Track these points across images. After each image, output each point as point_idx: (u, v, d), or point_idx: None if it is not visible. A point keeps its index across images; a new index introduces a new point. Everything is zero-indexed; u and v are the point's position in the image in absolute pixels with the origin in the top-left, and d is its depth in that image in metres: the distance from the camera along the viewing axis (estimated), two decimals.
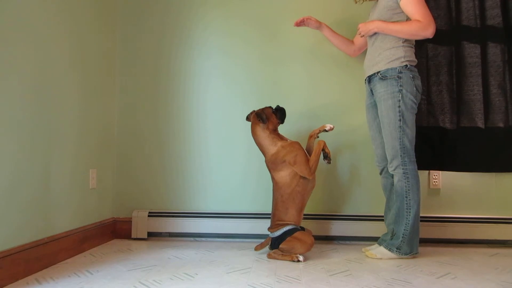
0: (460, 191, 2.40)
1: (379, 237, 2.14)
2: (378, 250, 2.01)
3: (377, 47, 2.03)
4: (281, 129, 2.38)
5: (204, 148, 2.51)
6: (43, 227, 1.78)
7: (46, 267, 1.75)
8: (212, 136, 2.51)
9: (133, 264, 1.83)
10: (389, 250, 1.98)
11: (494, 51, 2.31)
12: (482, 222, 2.32)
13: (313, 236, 1.98)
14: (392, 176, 2.05)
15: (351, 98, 2.45)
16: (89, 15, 2.20)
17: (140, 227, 2.43)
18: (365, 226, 2.35)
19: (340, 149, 2.45)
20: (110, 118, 2.47)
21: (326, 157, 2.02)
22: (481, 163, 2.32)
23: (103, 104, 2.37)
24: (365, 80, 2.14)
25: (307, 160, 1.98)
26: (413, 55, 2.01)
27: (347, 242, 2.39)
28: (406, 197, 1.95)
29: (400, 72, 1.94)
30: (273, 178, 2.03)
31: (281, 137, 2.07)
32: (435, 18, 2.31)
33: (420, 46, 2.33)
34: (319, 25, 2.28)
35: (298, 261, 1.89)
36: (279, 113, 2.10)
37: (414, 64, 2.00)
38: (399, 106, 1.94)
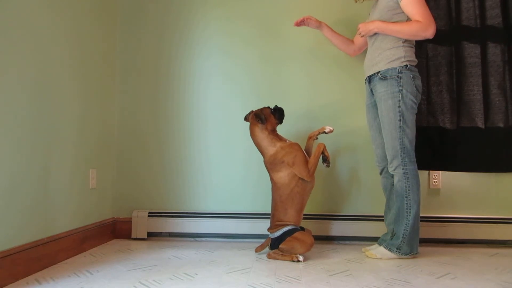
0: (460, 191, 2.40)
1: (379, 237, 2.14)
2: (378, 250, 2.01)
3: (377, 47, 2.02)
4: (281, 129, 2.38)
5: (204, 148, 2.51)
6: (43, 227, 1.78)
7: (46, 267, 1.75)
8: (212, 136, 2.51)
9: (133, 264, 1.83)
10: (389, 250, 1.98)
11: (494, 51, 2.31)
12: (482, 222, 2.32)
13: (313, 236, 1.98)
14: (392, 176, 2.05)
15: (351, 98, 2.45)
16: (89, 15, 2.19)
17: (140, 227, 2.43)
18: (365, 226, 2.35)
19: (340, 149, 2.45)
20: (110, 118, 2.47)
21: (325, 160, 2.02)
22: (481, 163, 2.32)
23: (103, 104, 2.37)
24: (365, 80, 2.14)
25: (306, 162, 1.98)
26: (413, 55, 2.01)
27: (347, 242, 2.39)
28: (406, 197, 1.95)
29: (400, 72, 1.94)
30: (272, 179, 2.03)
31: (280, 138, 2.07)
32: (435, 18, 2.30)
33: (420, 46, 2.33)
34: (319, 24, 2.28)
35: (298, 261, 1.89)
36: (278, 114, 2.09)
37: (415, 64, 2.00)
38: (399, 106, 1.94)
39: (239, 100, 2.51)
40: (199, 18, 2.55)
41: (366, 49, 2.27)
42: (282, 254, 1.94)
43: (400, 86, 1.93)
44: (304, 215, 2.38)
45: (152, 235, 2.46)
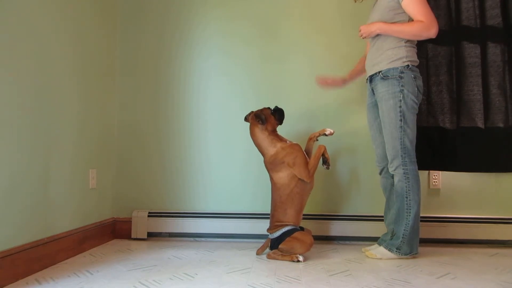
0: (460, 191, 2.40)
1: (379, 237, 2.14)
2: (378, 250, 2.01)
3: (379, 47, 2.02)
4: (281, 129, 2.38)
5: (204, 148, 2.51)
6: (43, 227, 1.78)
7: (46, 267, 1.75)
8: (212, 136, 2.51)
9: (133, 264, 1.83)
10: (389, 250, 1.98)
11: (494, 51, 2.31)
12: (482, 222, 2.32)
13: (313, 236, 1.98)
14: (392, 176, 2.04)
15: (352, 98, 2.45)
16: (89, 15, 2.19)
17: (140, 227, 2.43)
18: (365, 226, 2.35)
19: (340, 149, 2.45)
20: (110, 118, 2.47)
21: (325, 162, 2.02)
22: (481, 163, 2.32)
23: (103, 104, 2.37)
24: (367, 79, 2.13)
25: (306, 163, 1.98)
26: (415, 55, 2.00)
27: (347, 242, 2.39)
28: (406, 197, 1.95)
29: (402, 72, 1.93)
30: (271, 179, 2.03)
31: (280, 138, 2.06)
32: (435, 18, 2.31)
33: (420, 46, 2.32)
34: (344, 81, 2.24)
35: (298, 261, 1.89)
36: (278, 114, 2.09)
37: (416, 64, 1.99)
38: (400, 106, 1.93)
39: (239, 100, 2.51)
40: (199, 18, 2.55)
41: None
42: (282, 254, 1.94)
43: (402, 86, 1.93)
44: (304, 215, 2.38)
45: (152, 235, 2.46)
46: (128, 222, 2.46)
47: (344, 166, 2.45)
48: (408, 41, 1.96)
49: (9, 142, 1.56)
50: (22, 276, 1.59)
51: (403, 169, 1.95)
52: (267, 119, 2.04)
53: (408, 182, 1.94)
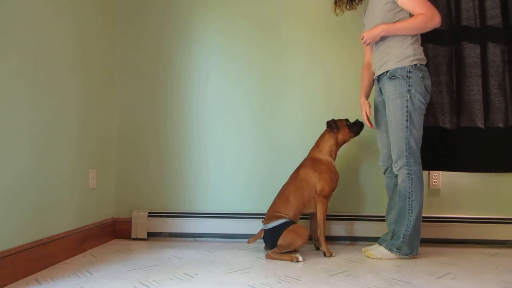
0: (460, 191, 2.40)
1: (379, 237, 2.14)
2: (378, 250, 2.01)
3: (386, 47, 1.99)
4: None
5: (204, 148, 2.51)
6: (43, 227, 1.77)
7: (46, 267, 1.75)
8: (212, 136, 2.51)
9: (133, 264, 1.83)
10: (389, 250, 1.98)
11: (494, 51, 2.31)
12: (482, 222, 2.32)
13: (307, 236, 1.99)
14: (396, 176, 2.04)
15: (354, 96, 2.44)
16: (89, 15, 2.19)
17: (140, 227, 2.43)
18: (365, 226, 2.35)
19: (343, 149, 2.45)
20: (110, 118, 2.47)
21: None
22: (481, 163, 2.32)
23: (103, 104, 2.37)
24: (374, 79, 2.12)
25: (332, 189, 2.08)
26: (422, 53, 1.98)
27: (347, 242, 2.39)
28: (409, 198, 1.95)
29: (410, 72, 1.92)
30: (297, 172, 2.09)
31: (333, 155, 2.15)
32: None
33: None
34: (366, 102, 2.19)
35: (298, 261, 1.89)
36: (354, 127, 2.16)
37: (424, 62, 1.97)
38: (407, 106, 1.92)
39: (239, 100, 2.50)
40: (199, 18, 2.55)
41: (359, 42, 2.26)
42: (280, 254, 1.94)
43: (409, 86, 1.91)
44: (303, 215, 2.39)
45: (152, 235, 2.46)
46: (128, 222, 2.46)
47: (346, 165, 2.45)
48: (414, 38, 1.94)
49: (9, 142, 1.56)
50: (22, 276, 1.59)
51: (407, 169, 1.94)
52: (339, 128, 2.13)
53: (411, 182, 1.94)
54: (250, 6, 2.53)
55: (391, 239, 2.00)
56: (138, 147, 2.53)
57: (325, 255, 2.01)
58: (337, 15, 2.27)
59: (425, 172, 2.40)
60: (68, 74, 1.99)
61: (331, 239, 2.39)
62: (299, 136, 2.44)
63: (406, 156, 1.94)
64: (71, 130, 2.02)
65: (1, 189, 1.51)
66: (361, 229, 2.35)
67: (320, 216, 2.03)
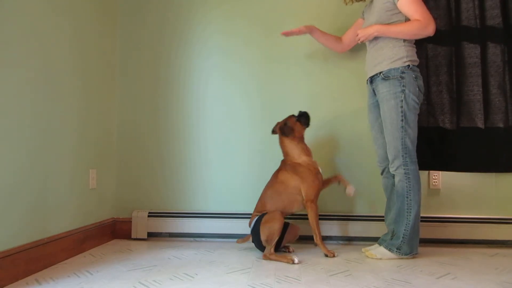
0: (460, 191, 2.40)
1: (379, 237, 2.14)
2: (378, 250, 2.01)
3: (379, 48, 2.02)
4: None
5: (204, 148, 2.51)
6: (43, 227, 1.77)
7: (46, 267, 1.75)
8: (212, 136, 2.51)
9: (133, 264, 1.83)
10: (389, 250, 1.98)
11: (494, 51, 2.31)
12: (482, 222, 2.32)
13: (306, 236, 1.99)
14: (393, 176, 2.05)
15: (352, 97, 2.44)
16: (89, 15, 2.19)
17: (140, 227, 2.43)
18: (365, 226, 2.35)
19: (341, 149, 2.45)
20: (110, 118, 2.47)
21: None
22: (481, 163, 2.32)
23: (103, 104, 2.37)
24: (367, 80, 2.13)
25: (317, 193, 2.05)
26: (415, 55, 2.00)
27: (347, 242, 2.39)
28: (407, 197, 1.95)
29: (403, 72, 1.94)
30: (276, 175, 2.08)
31: (307, 152, 2.11)
32: (435, 18, 2.30)
33: (420, 46, 2.32)
34: (309, 30, 2.27)
35: (293, 263, 1.88)
36: (303, 119, 2.14)
37: (417, 63, 1.99)
38: (402, 107, 1.93)
39: (239, 100, 2.50)
40: (199, 18, 2.55)
41: (355, 45, 2.34)
42: (276, 255, 1.94)
43: (403, 86, 1.93)
44: (303, 215, 2.38)
45: (152, 235, 2.46)
46: (128, 222, 2.46)
47: (345, 166, 2.45)
48: (406, 40, 1.97)
49: (9, 142, 1.56)
50: (22, 276, 1.59)
51: (404, 169, 1.95)
52: (293, 128, 2.09)
53: (409, 182, 1.95)
54: (250, 6, 2.53)
55: (391, 239, 2.00)
56: (138, 147, 2.53)
57: (327, 256, 2.01)
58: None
59: (425, 172, 2.41)
60: (68, 74, 1.99)
61: (331, 239, 2.40)
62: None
63: (403, 155, 1.94)
64: (71, 130, 2.02)
65: (1, 189, 1.51)
66: (360, 229, 2.35)
67: (312, 221, 2.00)
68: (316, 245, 2.08)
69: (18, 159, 1.61)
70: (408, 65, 1.95)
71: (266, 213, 2.00)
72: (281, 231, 1.93)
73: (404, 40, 1.97)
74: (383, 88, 1.99)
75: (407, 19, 1.95)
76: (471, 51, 2.33)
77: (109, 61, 2.46)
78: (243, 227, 2.39)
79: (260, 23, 2.52)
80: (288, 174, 2.06)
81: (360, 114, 2.40)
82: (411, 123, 1.95)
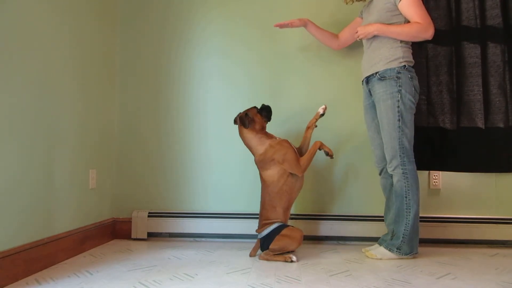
0: (460, 191, 2.40)
1: (378, 237, 2.14)
2: (378, 251, 2.01)
3: (375, 48, 2.03)
4: (279, 128, 2.39)
5: (204, 148, 2.51)
6: (43, 227, 1.77)
7: (46, 267, 1.75)
8: (212, 136, 2.51)
9: (133, 265, 1.83)
10: (389, 250, 1.98)
11: (494, 51, 2.31)
12: (482, 223, 2.32)
13: (306, 236, 1.97)
14: (391, 176, 2.05)
15: (349, 99, 2.45)
16: (89, 15, 2.19)
17: (140, 228, 2.43)
18: (364, 226, 2.35)
19: (339, 149, 2.45)
20: (110, 118, 2.47)
21: (327, 154, 2.04)
22: (481, 163, 2.32)
23: (103, 104, 2.37)
24: (363, 81, 2.14)
25: (297, 158, 1.99)
26: (411, 56, 2.01)
27: (347, 242, 2.39)
28: (406, 197, 1.95)
29: (399, 73, 1.95)
30: (261, 177, 2.05)
31: (269, 136, 2.07)
32: (435, 18, 2.31)
33: (420, 46, 2.33)
34: (303, 23, 2.27)
35: (291, 261, 1.88)
36: (265, 112, 2.10)
37: (412, 64, 2.01)
38: (398, 107, 1.94)
39: (239, 100, 2.50)
40: (199, 18, 2.55)
41: (351, 44, 2.33)
42: (274, 255, 1.93)
43: (399, 86, 1.94)
44: (304, 215, 2.39)
45: (152, 235, 2.46)
46: (128, 222, 2.46)
47: (344, 166, 2.45)
48: (403, 41, 1.98)
49: (9, 142, 1.56)
50: (22, 276, 1.59)
51: (402, 169, 1.95)
52: (253, 119, 2.06)
53: (407, 181, 1.95)
54: (250, 7, 2.53)
55: (391, 239, 2.00)
56: (138, 147, 2.53)
57: (328, 154, 2.02)
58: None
59: (425, 172, 2.41)
60: (68, 74, 1.99)
61: (331, 239, 2.40)
62: (299, 137, 2.44)
63: (400, 155, 1.95)
64: (71, 130, 2.02)
65: (0, 189, 1.51)
66: (360, 229, 2.35)
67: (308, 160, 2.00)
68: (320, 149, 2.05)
69: (19, 159, 1.61)
70: (404, 66, 1.96)
71: (288, 225, 1.97)
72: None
73: (401, 41, 1.98)
74: (379, 89, 1.99)
75: (407, 21, 1.96)
76: (471, 51, 2.33)
77: (109, 61, 2.46)
78: (243, 227, 2.39)
79: (260, 24, 2.52)
80: (267, 171, 2.00)
81: (359, 114, 2.40)
82: (408, 123, 1.95)
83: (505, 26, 2.30)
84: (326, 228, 2.37)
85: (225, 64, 2.53)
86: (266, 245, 1.94)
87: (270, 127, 2.28)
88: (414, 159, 1.98)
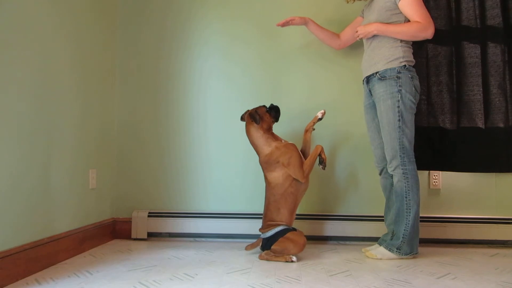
0: (460, 191, 2.40)
1: (378, 237, 2.14)
2: (378, 251, 2.01)
3: (375, 48, 2.03)
4: (280, 128, 2.39)
5: (204, 148, 2.51)
6: (43, 227, 1.77)
7: (46, 267, 1.75)
8: (212, 136, 2.51)
9: (133, 265, 1.83)
10: (389, 250, 1.98)
11: (494, 51, 2.31)
12: (482, 223, 2.32)
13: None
14: (392, 176, 2.05)
15: (350, 98, 2.45)
16: (89, 15, 2.19)
17: (140, 227, 2.43)
18: (365, 226, 2.35)
19: (339, 149, 2.45)
20: (110, 118, 2.47)
21: (322, 162, 2.01)
22: (481, 163, 2.32)
23: (103, 104, 2.37)
24: (363, 80, 2.14)
25: (302, 163, 1.97)
26: (411, 55, 2.01)
27: (347, 242, 2.39)
28: (406, 197, 1.95)
29: (399, 72, 1.94)
30: (266, 178, 2.03)
31: (275, 138, 2.06)
32: (435, 18, 2.31)
33: (420, 46, 2.33)
34: (304, 21, 2.27)
35: (292, 261, 1.88)
36: (273, 112, 2.09)
37: (413, 64, 2.00)
38: (398, 106, 1.94)
39: (239, 100, 2.50)
40: (199, 18, 2.55)
41: (352, 44, 2.33)
42: (274, 255, 1.93)
43: (399, 86, 1.94)
44: (304, 215, 2.39)
45: (152, 235, 2.46)
46: (128, 222, 2.46)
47: (344, 166, 2.45)
48: (403, 41, 1.98)
49: (9, 142, 1.56)
50: (22, 276, 1.59)
51: (402, 169, 1.95)
52: (262, 117, 2.04)
53: (407, 182, 1.95)
54: (250, 7, 2.53)
55: (391, 239, 2.00)
56: (138, 147, 2.53)
57: (322, 162, 1.99)
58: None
59: (425, 172, 2.41)
60: (68, 74, 1.99)
61: (331, 239, 2.40)
62: (299, 137, 2.44)
63: (400, 155, 1.95)
64: (71, 130, 2.02)
65: (0, 189, 1.51)
66: (360, 229, 2.35)
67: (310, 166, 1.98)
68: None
69: (19, 159, 1.61)
70: (404, 65, 1.95)
71: (293, 229, 1.96)
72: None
73: (401, 41, 1.97)
74: (379, 88, 1.99)
75: (407, 20, 1.96)
76: (471, 51, 2.33)
77: (109, 61, 2.46)
78: (243, 227, 2.39)
79: (260, 24, 2.52)
80: (272, 172, 1.99)
81: (360, 114, 2.40)
82: (408, 123, 1.95)
83: (505, 26, 2.30)
84: (326, 228, 2.37)
85: (225, 64, 2.53)
86: (268, 246, 1.94)
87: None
88: (414, 159, 1.98)
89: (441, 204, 2.40)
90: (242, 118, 2.15)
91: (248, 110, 2.11)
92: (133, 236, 2.43)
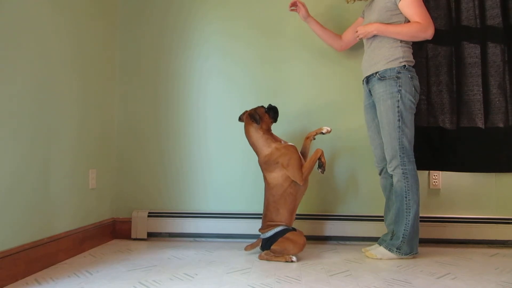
0: (460, 191, 2.40)
1: (378, 237, 2.14)
2: (378, 251, 2.01)
3: (375, 48, 2.03)
4: (280, 129, 2.39)
5: (204, 148, 2.51)
6: (43, 227, 1.77)
7: (46, 267, 1.75)
8: (212, 136, 2.51)
9: (132, 265, 1.83)
10: (389, 250, 1.98)
11: (494, 51, 2.31)
12: (482, 223, 2.32)
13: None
14: (391, 176, 2.05)
15: (350, 98, 2.45)
16: (89, 15, 2.19)
17: (139, 227, 2.43)
18: (364, 226, 2.35)
19: (339, 149, 2.45)
20: (110, 118, 2.47)
21: (321, 166, 2.00)
22: (481, 163, 2.32)
23: (102, 104, 2.37)
24: (363, 80, 2.14)
25: (301, 165, 1.97)
26: (411, 55, 2.01)
27: (347, 242, 2.39)
28: (406, 197, 1.95)
29: (399, 72, 1.95)
30: (265, 179, 2.03)
31: (275, 138, 2.06)
32: (435, 18, 2.32)
33: (420, 46, 2.33)
34: (307, 16, 2.27)
35: (292, 261, 1.88)
36: (272, 112, 2.09)
37: (412, 64, 2.00)
38: (398, 106, 1.94)
39: (238, 100, 2.50)
40: (199, 18, 2.55)
41: (354, 45, 2.33)
42: (274, 255, 1.93)
43: (399, 86, 1.94)
44: (304, 215, 2.39)
45: (152, 235, 2.46)
46: (128, 222, 2.46)
47: (344, 166, 2.45)
48: (403, 41, 1.98)
49: (9, 142, 1.56)
50: (22, 276, 1.59)
51: (402, 169, 1.95)
52: (261, 118, 2.04)
53: (407, 182, 1.95)
54: (250, 7, 2.53)
55: (391, 239, 2.00)
56: (138, 147, 2.53)
57: (321, 165, 1.98)
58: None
59: (425, 172, 2.41)
60: (68, 74, 1.99)
61: (331, 239, 2.40)
62: (300, 137, 2.44)
63: (400, 155, 1.95)
64: (71, 130, 2.02)
65: (0, 189, 1.51)
66: (360, 229, 2.35)
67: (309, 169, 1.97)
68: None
69: (18, 159, 1.61)
70: (404, 65, 1.96)
71: (292, 229, 1.96)
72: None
73: (401, 41, 1.97)
74: (379, 88, 1.99)
75: (407, 21, 1.96)
76: (471, 51, 2.33)
77: (109, 61, 2.46)
78: (243, 227, 2.39)
79: (260, 24, 2.52)
80: (271, 173, 1.98)
81: (360, 114, 2.40)
82: (408, 123, 1.95)
83: (505, 26, 2.30)
84: (326, 228, 2.37)
85: (225, 64, 2.53)
86: (268, 246, 1.94)
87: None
88: (414, 159, 1.98)
89: (441, 204, 2.40)
90: (240, 119, 2.14)
91: (247, 111, 2.11)
92: (133, 236, 2.43)
